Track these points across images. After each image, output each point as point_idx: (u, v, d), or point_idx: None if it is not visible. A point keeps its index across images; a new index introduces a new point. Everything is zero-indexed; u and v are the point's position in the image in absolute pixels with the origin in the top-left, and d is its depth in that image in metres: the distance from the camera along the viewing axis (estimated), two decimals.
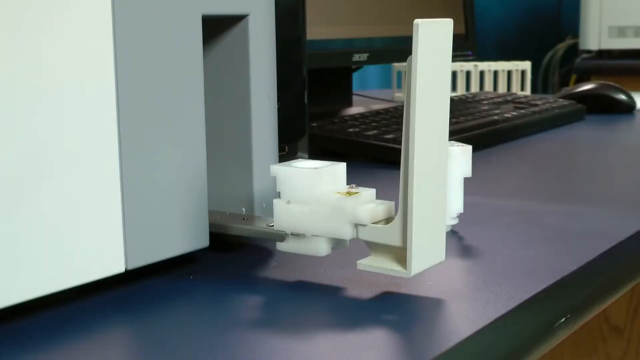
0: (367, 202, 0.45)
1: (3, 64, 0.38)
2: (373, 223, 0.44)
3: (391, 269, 0.43)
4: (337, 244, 0.46)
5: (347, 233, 0.44)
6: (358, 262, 0.45)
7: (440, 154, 0.44)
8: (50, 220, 0.40)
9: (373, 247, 0.45)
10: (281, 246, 0.47)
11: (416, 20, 0.41)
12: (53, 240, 0.41)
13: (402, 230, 0.43)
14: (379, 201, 0.45)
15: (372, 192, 0.46)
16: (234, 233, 0.50)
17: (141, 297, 0.45)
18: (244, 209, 0.53)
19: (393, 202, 0.46)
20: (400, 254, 0.43)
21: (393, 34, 1.14)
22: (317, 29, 1.00)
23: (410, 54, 0.41)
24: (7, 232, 0.39)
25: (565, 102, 1.22)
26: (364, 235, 0.44)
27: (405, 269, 0.43)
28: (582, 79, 2.20)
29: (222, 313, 0.43)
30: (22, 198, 0.39)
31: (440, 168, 0.44)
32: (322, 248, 0.45)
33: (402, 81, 1.43)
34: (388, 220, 0.45)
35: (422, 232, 0.43)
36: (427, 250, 0.44)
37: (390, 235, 0.43)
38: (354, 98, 1.25)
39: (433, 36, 0.42)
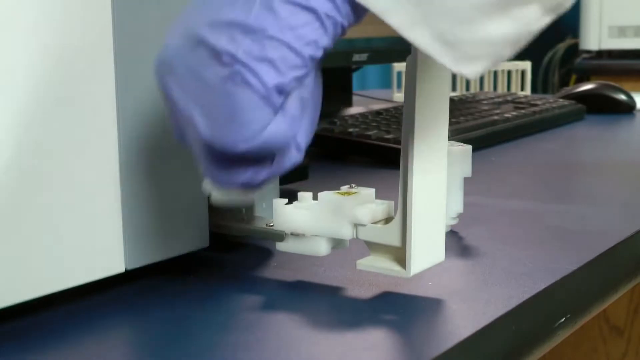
0: (367, 202, 0.45)
1: (3, 65, 0.38)
2: (372, 223, 0.44)
3: (391, 269, 0.43)
4: (336, 244, 0.46)
5: (346, 233, 0.44)
6: (358, 262, 0.44)
7: (440, 154, 0.44)
8: (50, 220, 0.40)
9: (372, 247, 0.45)
10: (281, 246, 0.47)
11: None
12: (53, 241, 0.41)
13: (402, 231, 0.43)
14: (378, 201, 0.45)
15: (371, 192, 0.46)
16: (234, 233, 0.50)
17: (141, 297, 0.45)
18: (244, 209, 0.53)
19: (392, 202, 0.46)
20: (399, 254, 0.43)
21: (393, 34, 1.13)
22: None
23: (410, 54, 0.41)
24: (8, 233, 0.39)
25: (565, 102, 1.22)
26: (364, 235, 0.44)
27: (405, 269, 0.43)
28: (582, 79, 2.19)
29: (222, 313, 0.43)
30: (22, 198, 0.39)
31: (440, 168, 0.44)
32: (321, 248, 0.45)
33: (402, 81, 1.43)
34: (387, 220, 0.45)
35: (422, 232, 0.43)
36: (427, 250, 0.44)
37: (389, 235, 0.43)
38: (354, 98, 1.25)
39: None
